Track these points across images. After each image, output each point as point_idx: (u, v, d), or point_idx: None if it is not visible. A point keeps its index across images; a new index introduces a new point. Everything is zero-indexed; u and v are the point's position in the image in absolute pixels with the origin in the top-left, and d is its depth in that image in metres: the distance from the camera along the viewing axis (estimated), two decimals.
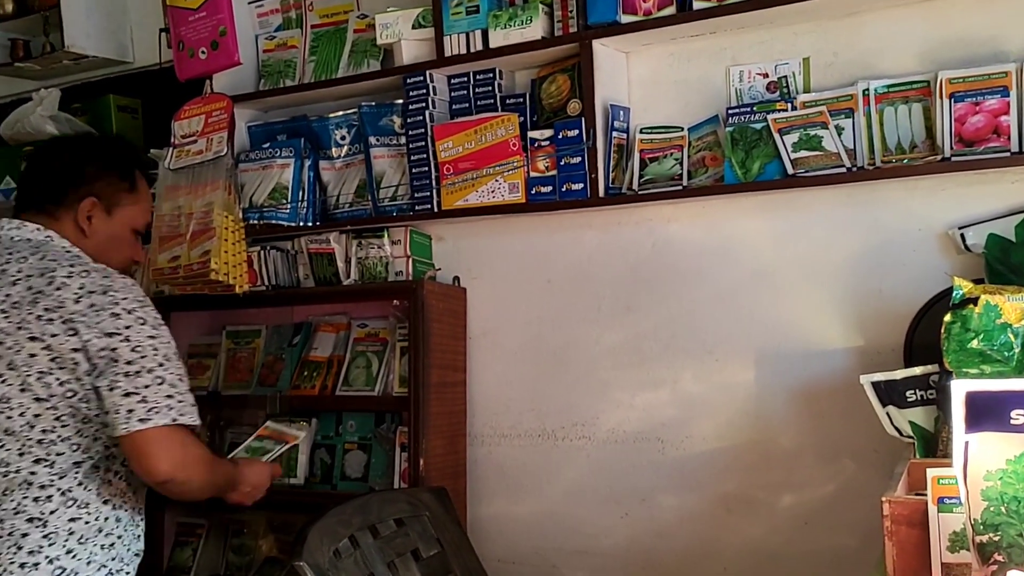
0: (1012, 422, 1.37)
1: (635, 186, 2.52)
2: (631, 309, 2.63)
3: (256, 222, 2.96)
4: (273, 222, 2.95)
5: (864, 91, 2.27)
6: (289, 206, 2.94)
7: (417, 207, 2.76)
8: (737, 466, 2.48)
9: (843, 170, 2.25)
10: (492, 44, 2.64)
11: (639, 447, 2.61)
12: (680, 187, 2.47)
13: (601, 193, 2.52)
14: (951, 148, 2.15)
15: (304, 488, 2.97)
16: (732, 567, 2.49)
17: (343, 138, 2.96)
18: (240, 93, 3.06)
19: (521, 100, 2.69)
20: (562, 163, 2.56)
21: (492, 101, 2.71)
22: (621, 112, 2.56)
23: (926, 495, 1.55)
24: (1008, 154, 2.10)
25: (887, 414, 2.10)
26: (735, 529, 2.49)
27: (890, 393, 2.10)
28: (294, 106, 3.09)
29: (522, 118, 2.65)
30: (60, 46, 3.41)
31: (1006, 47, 2.17)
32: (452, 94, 2.77)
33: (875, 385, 2.11)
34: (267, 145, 3.03)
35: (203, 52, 3.02)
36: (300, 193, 2.96)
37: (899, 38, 2.28)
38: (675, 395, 2.57)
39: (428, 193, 2.74)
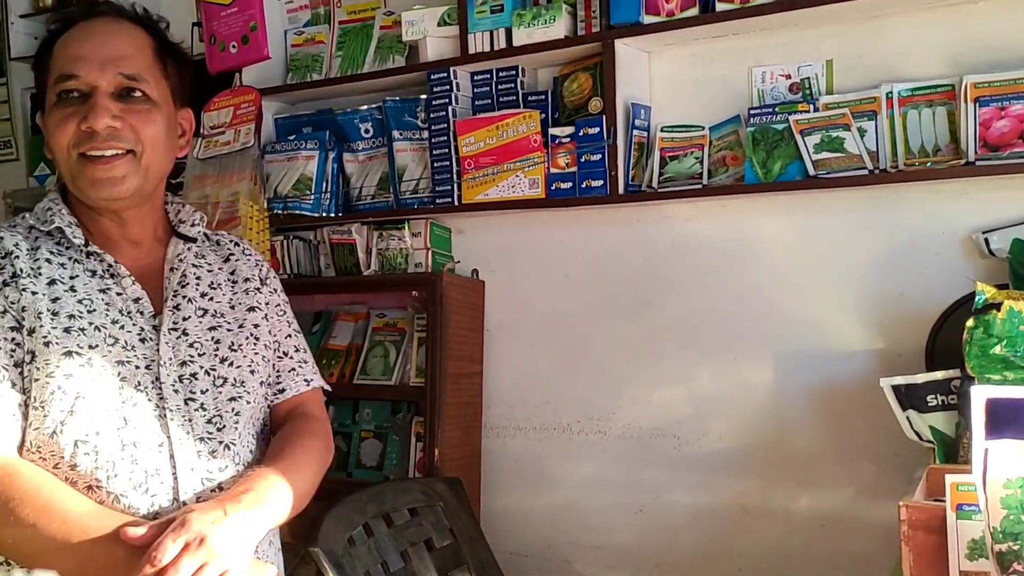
0: None
1: (655, 184, 2.40)
2: (649, 306, 2.51)
3: (280, 212, 2.89)
4: (297, 212, 2.87)
5: (887, 94, 2.14)
6: (313, 197, 2.85)
7: (438, 200, 2.67)
8: (754, 466, 2.37)
9: (865, 172, 2.13)
10: (515, 42, 2.53)
11: (655, 443, 2.49)
12: (700, 186, 2.35)
13: (620, 190, 2.41)
14: (976, 152, 2.03)
15: None
16: (747, 567, 2.37)
17: (367, 131, 2.88)
18: (268, 86, 2.99)
19: (543, 97, 2.58)
20: (582, 160, 2.45)
21: (514, 98, 2.60)
22: (642, 111, 2.45)
23: (944, 501, 1.47)
24: None
25: (907, 418, 1.99)
26: (751, 529, 2.38)
27: (910, 397, 1.99)
28: (320, 99, 3.00)
29: (544, 115, 2.54)
30: None
31: None
32: (475, 90, 2.67)
33: (895, 389, 2.01)
34: (293, 137, 2.96)
35: (234, 46, 2.99)
36: (324, 184, 2.88)
37: (923, 42, 2.16)
38: (692, 392, 2.45)
39: (449, 187, 2.64)
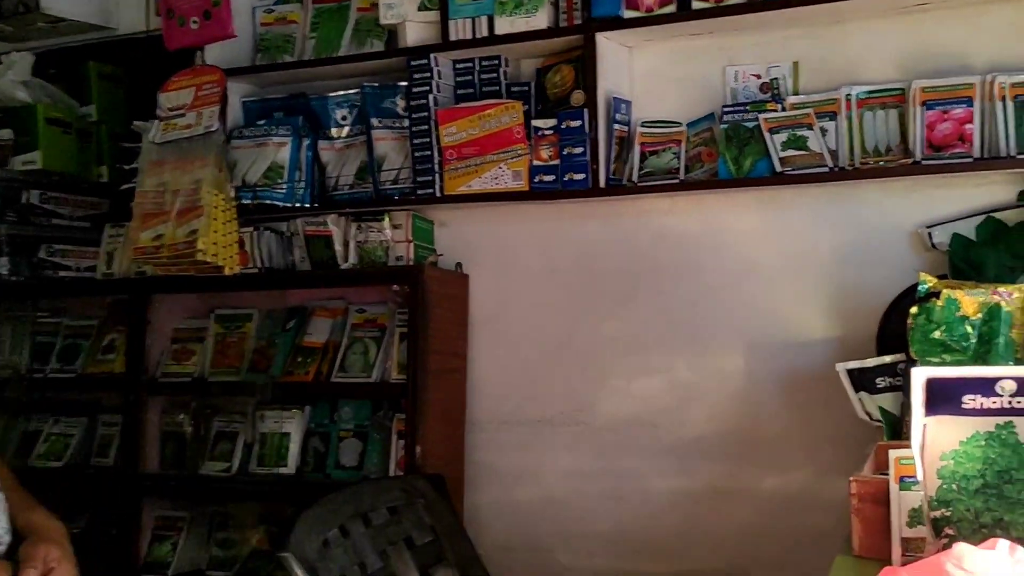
0: (963, 406, 1.90)
1: (635, 178, 3.64)
2: (631, 298, 3.77)
3: (249, 202, 3.94)
4: (268, 202, 3.93)
5: (847, 96, 3.41)
6: (285, 186, 3.95)
7: (419, 191, 3.82)
8: (726, 450, 3.64)
9: (826, 169, 3.38)
10: (498, 31, 3.73)
11: (634, 433, 3.76)
12: (677, 180, 3.59)
13: (602, 184, 3.62)
14: (922, 152, 3.28)
15: (295, 478, 3.98)
16: (720, 546, 3.64)
17: (344, 118, 4.01)
18: (235, 67, 4.09)
19: (526, 88, 3.78)
20: (565, 153, 3.66)
21: (497, 88, 3.79)
22: (623, 105, 3.69)
23: (889, 475, 2.17)
24: (971, 160, 3.23)
25: (859, 400, 3.14)
26: (723, 510, 3.64)
27: (862, 380, 3.13)
28: (292, 83, 4.14)
29: (526, 106, 3.72)
30: (35, 7, 4.38)
31: (972, 61, 3.31)
32: (457, 79, 3.86)
33: (849, 372, 3.16)
34: (263, 122, 4.05)
35: (195, 22, 3.98)
36: (297, 173, 3.98)
37: (879, 48, 3.42)
38: (670, 382, 3.73)
39: (431, 178, 3.80)
